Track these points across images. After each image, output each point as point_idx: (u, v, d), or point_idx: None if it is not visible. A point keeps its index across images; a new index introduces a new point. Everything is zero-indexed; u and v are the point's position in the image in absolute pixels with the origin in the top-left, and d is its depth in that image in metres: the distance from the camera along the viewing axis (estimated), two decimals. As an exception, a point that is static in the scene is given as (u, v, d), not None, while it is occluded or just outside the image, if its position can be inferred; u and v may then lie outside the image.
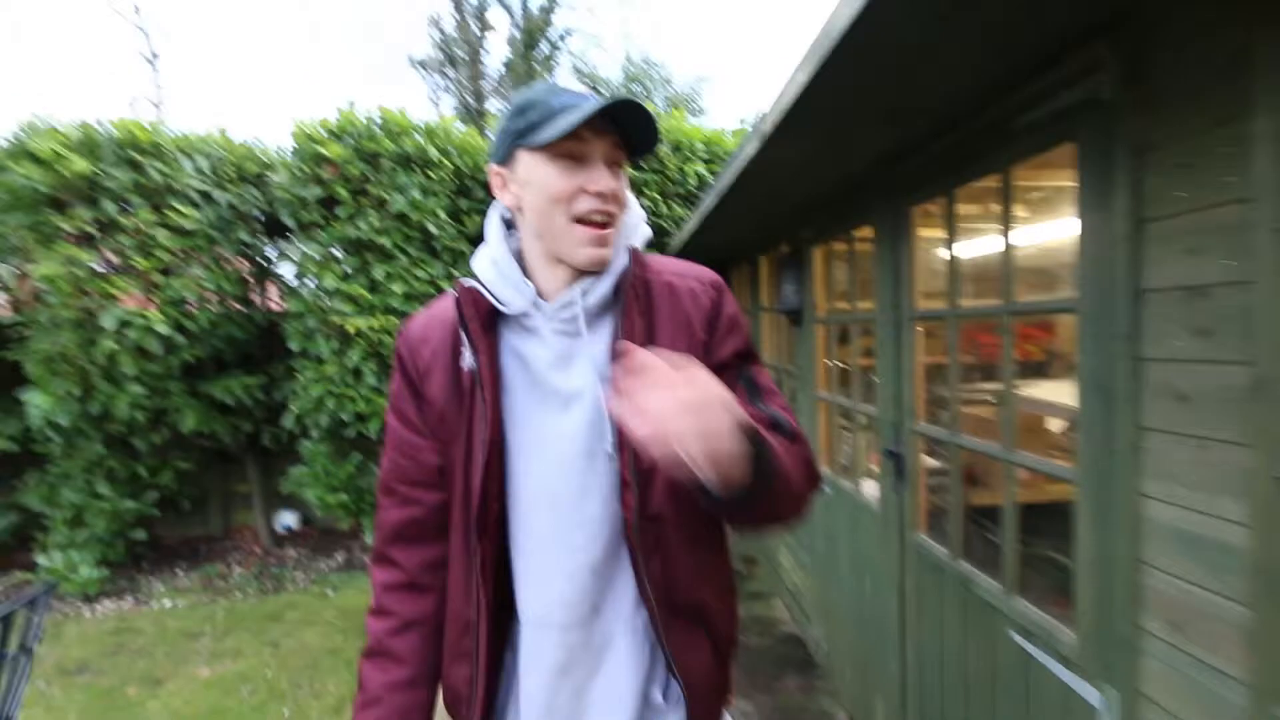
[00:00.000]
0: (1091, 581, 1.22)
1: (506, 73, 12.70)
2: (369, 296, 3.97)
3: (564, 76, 13.61)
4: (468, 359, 0.80)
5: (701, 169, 4.54)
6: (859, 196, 2.14)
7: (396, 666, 0.85)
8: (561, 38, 12.64)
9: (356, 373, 4.11)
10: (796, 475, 0.75)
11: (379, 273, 3.95)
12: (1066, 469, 1.28)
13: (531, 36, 12.23)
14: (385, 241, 3.90)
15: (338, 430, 4.33)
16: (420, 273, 4.05)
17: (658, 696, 0.85)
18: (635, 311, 0.82)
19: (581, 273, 0.82)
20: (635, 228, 0.88)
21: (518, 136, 0.78)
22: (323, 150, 3.80)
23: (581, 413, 0.80)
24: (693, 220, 3.42)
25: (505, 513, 0.82)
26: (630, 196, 0.88)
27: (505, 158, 0.81)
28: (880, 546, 2.14)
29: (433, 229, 4.01)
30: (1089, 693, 1.24)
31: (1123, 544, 1.14)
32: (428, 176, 4.01)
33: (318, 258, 3.92)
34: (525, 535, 0.83)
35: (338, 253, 3.99)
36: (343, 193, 3.79)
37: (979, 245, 2.22)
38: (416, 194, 3.90)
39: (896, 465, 1.97)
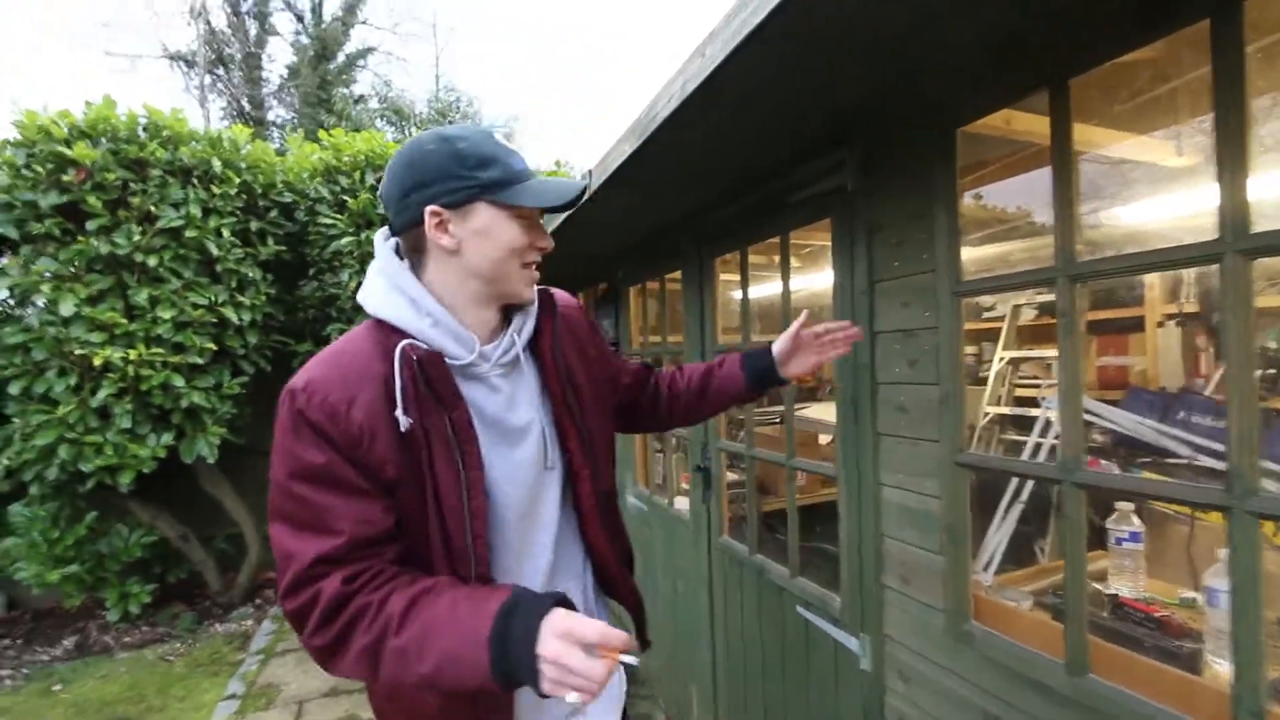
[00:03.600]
0: (850, 555, 1.58)
1: (290, 81, 11.61)
2: (125, 323, 3.40)
3: (363, 92, 12.83)
4: (404, 422, 0.79)
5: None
6: (669, 244, 2.46)
7: (404, 582, 0.80)
8: (362, 54, 11.95)
9: (103, 414, 3.47)
10: None
11: (141, 296, 3.41)
12: (831, 467, 1.64)
13: (325, 47, 11.38)
14: (151, 261, 3.38)
15: (69, 485, 3.58)
16: (196, 297, 3.57)
17: None
18: (552, 344, 0.97)
19: (503, 311, 0.94)
20: None
21: (484, 189, 0.82)
22: (64, 150, 3.21)
23: (532, 441, 0.94)
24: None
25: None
26: None
27: (459, 203, 0.82)
28: (692, 551, 2.43)
29: (214, 249, 3.58)
30: (851, 641, 1.59)
31: (870, 522, 1.50)
32: (209, 191, 3.58)
33: (49, 276, 3.26)
34: (497, 550, 0.91)
35: (79, 272, 3.35)
36: (95, 203, 3.23)
37: (765, 289, 2.67)
38: (195, 210, 3.46)
39: (705, 479, 2.28)
